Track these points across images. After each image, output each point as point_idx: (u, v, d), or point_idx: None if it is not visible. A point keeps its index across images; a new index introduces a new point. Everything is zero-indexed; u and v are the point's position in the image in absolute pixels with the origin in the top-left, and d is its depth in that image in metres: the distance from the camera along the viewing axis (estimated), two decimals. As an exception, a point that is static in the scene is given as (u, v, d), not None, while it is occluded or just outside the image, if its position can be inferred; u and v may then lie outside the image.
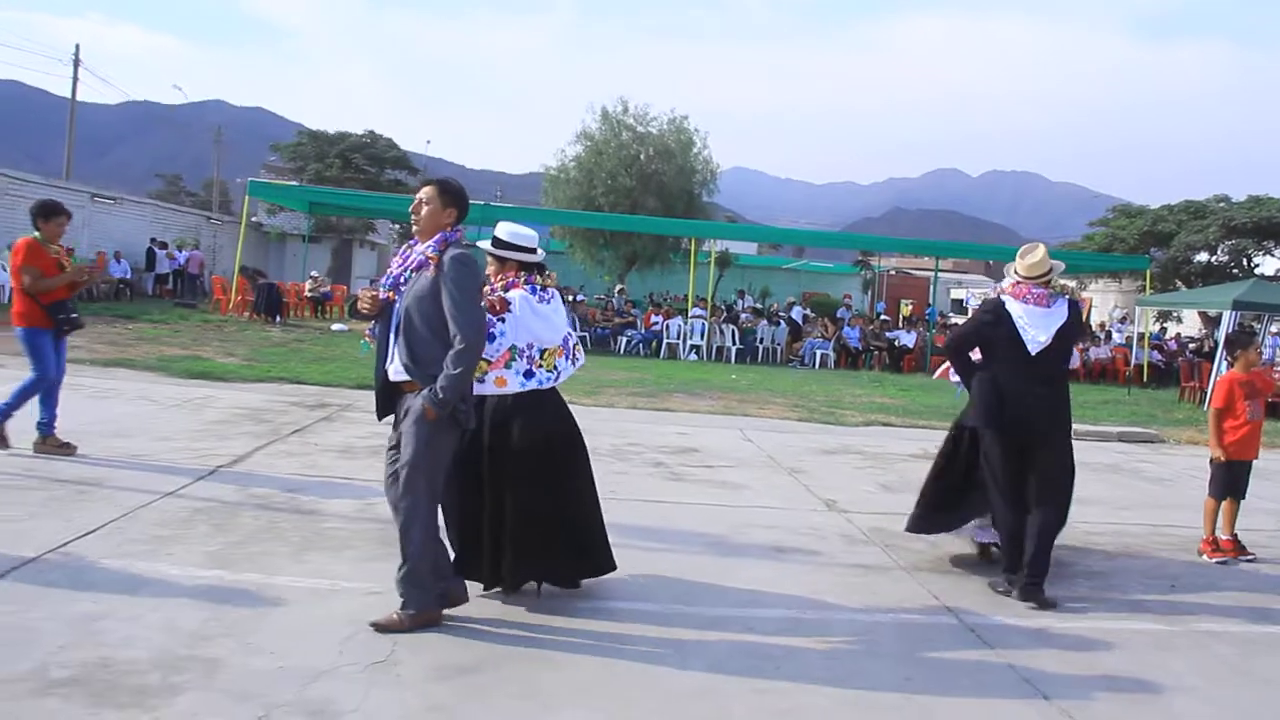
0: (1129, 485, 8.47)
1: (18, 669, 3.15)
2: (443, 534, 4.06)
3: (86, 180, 33.46)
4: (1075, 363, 5.65)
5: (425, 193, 3.88)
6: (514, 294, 4.19)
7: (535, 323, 4.19)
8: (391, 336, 3.82)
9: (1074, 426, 5.14)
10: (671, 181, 27.42)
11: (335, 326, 20.34)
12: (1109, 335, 25.01)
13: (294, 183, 33.92)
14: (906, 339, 22.20)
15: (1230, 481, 6.02)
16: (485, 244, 4.30)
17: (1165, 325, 30.83)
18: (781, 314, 24.41)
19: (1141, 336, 22.43)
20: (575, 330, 5.48)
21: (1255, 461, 6.13)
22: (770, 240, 45.71)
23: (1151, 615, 4.76)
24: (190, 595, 3.97)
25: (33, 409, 6.29)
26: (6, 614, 3.61)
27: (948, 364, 5.44)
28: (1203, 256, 30.53)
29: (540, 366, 4.20)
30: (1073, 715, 3.48)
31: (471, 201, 4.08)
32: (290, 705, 3.06)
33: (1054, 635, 4.33)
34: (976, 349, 5.15)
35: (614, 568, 4.34)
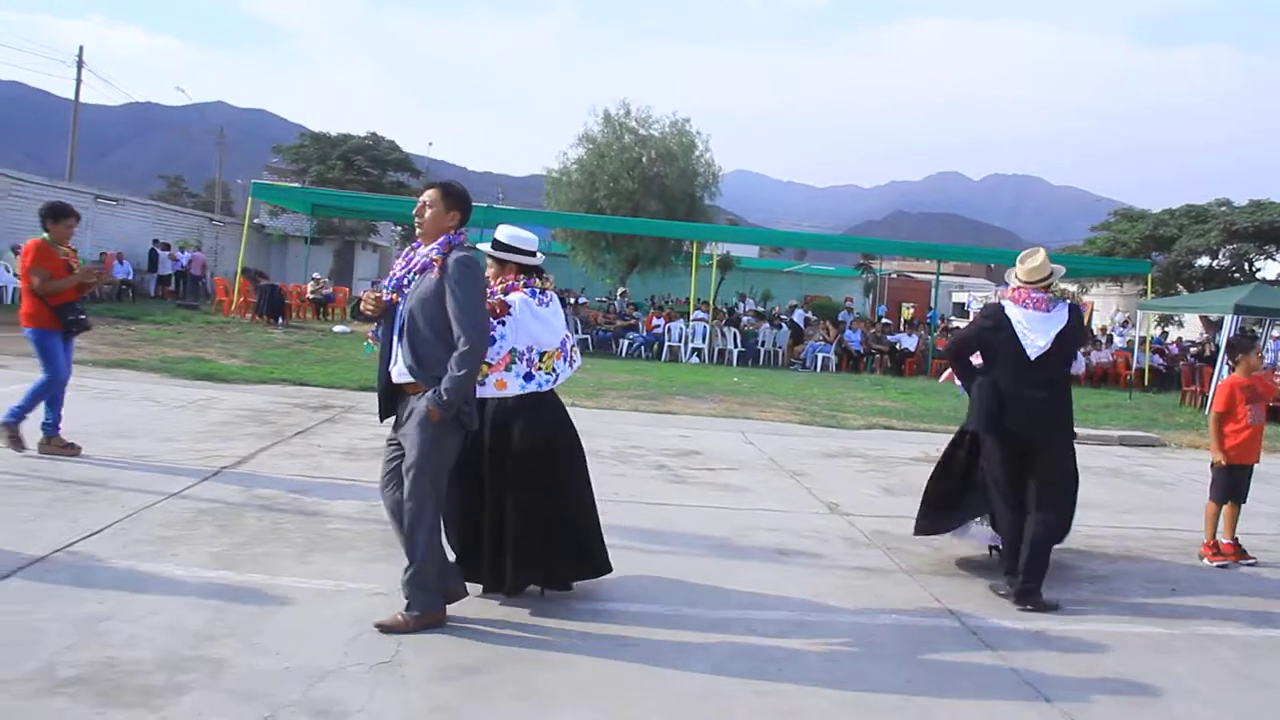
0: (1130, 489, 8.49)
1: (25, 668, 3.17)
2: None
3: (88, 181, 33.53)
4: (1080, 369, 5.65)
5: (429, 196, 3.90)
6: (514, 297, 4.21)
7: (535, 326, 4.21)
8: (395, 338, 3.84)
9: (1075, 430, 5.14)
10: (673, 184, 27.45)
11: (337, 328, 20.37)
12: (1110, 339, 25.02)
13: (296, 184, 34.00)
14: (908, 342, 22.21)
15: (1231, 485, 6.03)
16: (485, 246, 4.33)
17: (1166, 329, 30.88)
18: (783, 317, 24.44)
19: (1143, 340, 22.45)
20: (576, 332, 5.50)
21: (1256, 466, 6.14)
22: (772, 243, 45.80)
23: (1152, 618, 4.77)
24: (195, 596, 3.99)
25: (38, 409, 6.31)
26: (13, 614, 3.63)
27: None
28: (1204, 261, 30.55)
29: (539, 369, 4.23)
30: (1074, 718, 3.49)
31: (474, 204, 4.10)
32: (296, 705, 3.08)
33: (1055, 638, 4.35)
34: (977, 353, 5.17)
35: (610, 569, 4.36)
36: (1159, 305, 23.60)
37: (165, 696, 3.07)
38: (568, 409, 4.44)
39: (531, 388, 4.19)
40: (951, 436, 5.63)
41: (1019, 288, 5.02)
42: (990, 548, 5.53)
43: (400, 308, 3.82)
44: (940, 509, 5.39)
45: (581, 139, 28.40)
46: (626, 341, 21.03)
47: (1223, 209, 30.55)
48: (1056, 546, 5.38)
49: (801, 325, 23.71)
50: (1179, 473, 9.53)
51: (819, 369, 20.56)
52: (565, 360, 4.37)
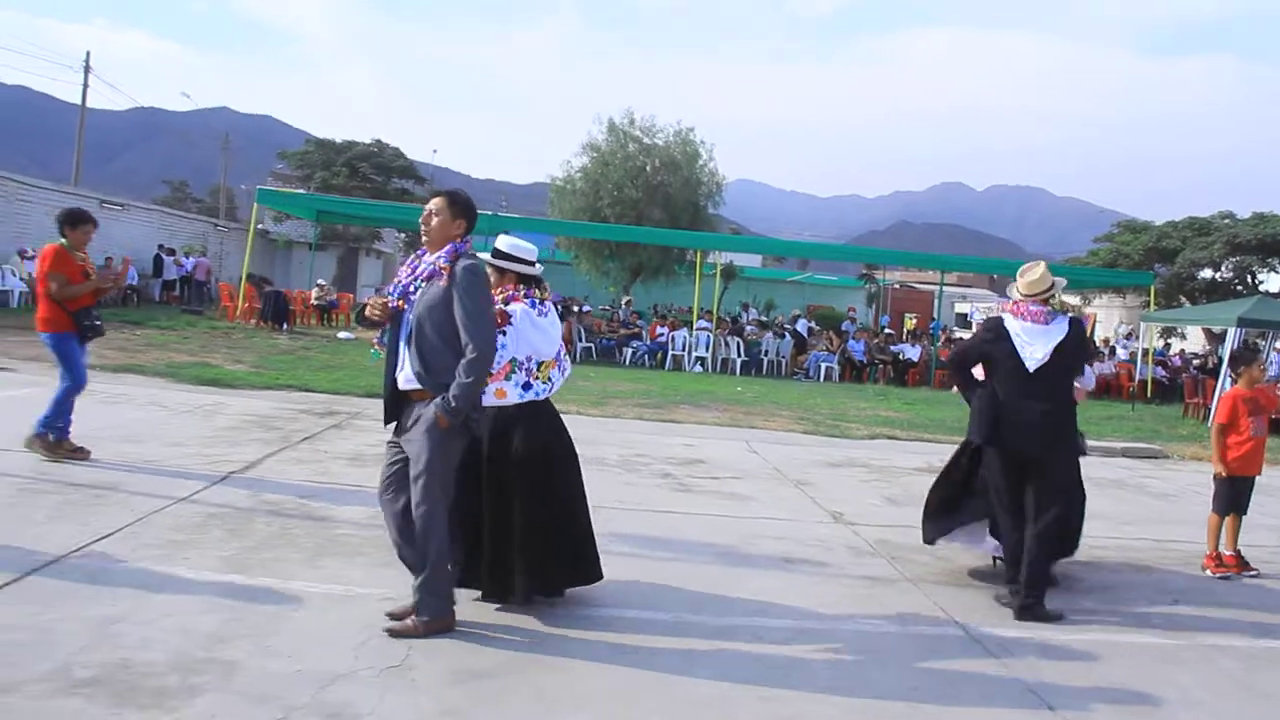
0: (1133, 500, 8.51)
1: (40, 669, 3.21)
2: None
3: (93, 186, 33.69)
4: (1090, 383, 5.65)
5: (435, 204, 3.95)
6: (515, 307, 4.27)
7: (535, 335, 4.27)
8: (402, 345, 3.88)
9: (1086, 443, 5.18)
10: (677, 193, 27.51)
11: (342, 334, 20.42)
12: (1113, 351, 25.04)
13: (301, 190, 34.11)
14: (911, 352, 22.23)
15: (1233, 497, 6.06)
16: (485, 255, 4.38)
17: (1169, 341, 30.86)
18: (786, 326, 24.47)
19: (1146, 352, 22.45)
20: (580, 340, 5.55)
21: (1258, 477, 6.17)
22: (775, 253, 45.84)
23: (1155, 629, 4.80)
24: (207, 599, 4.02)
25: (46, 412, 6.35)
26: (27, 615, 3.66)
27: (957, 380, 5.52)
28: (1207, 273, 30.56)
29: (537, 378, 4.30)
30: (1077, 726, 3.52)
31: (478, 212, 4.16)
32: (307, 708, 3.12)
33: (1059, 647, 4.37)
34: (979, 365, 5.22)
35: (601, 577, 4.41)
36: (1162, 317, 23.62)
37: (179, 698, 3.11)
38: (563, 418, 4.50)
39: (530, 396, 4.26)
40: (955, 447, 5.67)
41: (1019, 301, 5.09)
42: (994, 558, 5.56)
43: (407, 314, 3.86)
44: (940, 513, 5.44)
45: (586, 147, 28.50)
46: (630, 350, 21.08)
47: (1226, 221, 30.56)
48: (1064, 560, 5.41)
49: (805, 335, 23.74)
50: (1181, 484, 9.55)
51: (822, 379, 20.58)
52: (559, 369, 4.45)
